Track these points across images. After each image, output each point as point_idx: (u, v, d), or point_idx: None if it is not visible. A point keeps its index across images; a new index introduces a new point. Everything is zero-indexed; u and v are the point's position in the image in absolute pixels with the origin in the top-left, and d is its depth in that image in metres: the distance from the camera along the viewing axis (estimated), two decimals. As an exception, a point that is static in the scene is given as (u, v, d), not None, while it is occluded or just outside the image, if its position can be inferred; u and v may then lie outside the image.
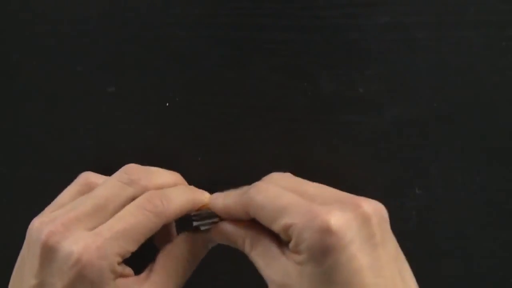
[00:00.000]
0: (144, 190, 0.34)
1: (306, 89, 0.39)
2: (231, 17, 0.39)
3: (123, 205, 0.33)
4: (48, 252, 0.31)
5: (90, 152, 0.39)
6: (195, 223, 0.35)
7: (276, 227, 0.30)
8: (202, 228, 0.35)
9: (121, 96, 0.39)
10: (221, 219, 0.34)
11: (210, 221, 0.35)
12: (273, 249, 0.31)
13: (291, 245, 0.30)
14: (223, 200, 0.34)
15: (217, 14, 0.39)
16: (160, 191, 0.34)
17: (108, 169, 0.35)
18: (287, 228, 0.30)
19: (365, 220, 0.28)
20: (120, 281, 0.31)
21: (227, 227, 0.34)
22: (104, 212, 0.32)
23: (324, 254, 0.27)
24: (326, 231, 0.27)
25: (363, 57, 0.39)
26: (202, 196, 0.35)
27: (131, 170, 0.34)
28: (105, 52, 0.39)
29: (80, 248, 0.30)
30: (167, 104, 0.39)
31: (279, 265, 0.30)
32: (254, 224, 0.33)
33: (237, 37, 0.39)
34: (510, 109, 0.39)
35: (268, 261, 0.31)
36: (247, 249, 0.33)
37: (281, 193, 0.31)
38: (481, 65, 0.39)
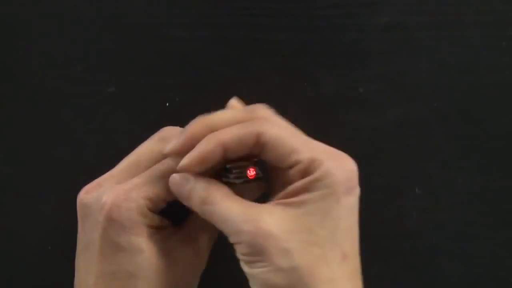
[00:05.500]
0: None
1: (306, 89, 0.39)
2: (231, 17, 0.39)
3: (156, 161, 0.33)
4: (84, 209, 0.32)
5: (90, 152, 0.39)
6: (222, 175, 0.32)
7: (295, 158, 0.29)
8: (232, 181, 0.32)
9: (121, 96, 0.39)
10: (253, 164, 0.31)
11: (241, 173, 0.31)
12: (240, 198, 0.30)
13: (306, 180, 0.29)
14: (223, 134, 0.30)
15: (217, 14, 0.39)
16: None
17: (108, 169, 0.35)
18: (311, 162, 0.29)
19: None
20: (154, 230, 0.32)
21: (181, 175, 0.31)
22: (137, 168, 0.33)
23: (348, 192, 0.29)
24: (354, 172, 0.30)
25: (363, 57, 0.39)
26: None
27: (164, 130, 0.35)
28: (105, 52, 0.39)
29: (108, 196, 0.31)
30: (167, 104, 0.39)
31: (256, 211, 0.29)
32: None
33: (237, 37, 0.39)
34: (510, 109, 0.39)
35: (243, 207, 0.29)
36: (211, 197, 0.30)
37: (295, 130, 0.31)
38: (481, 65, 0.39)
